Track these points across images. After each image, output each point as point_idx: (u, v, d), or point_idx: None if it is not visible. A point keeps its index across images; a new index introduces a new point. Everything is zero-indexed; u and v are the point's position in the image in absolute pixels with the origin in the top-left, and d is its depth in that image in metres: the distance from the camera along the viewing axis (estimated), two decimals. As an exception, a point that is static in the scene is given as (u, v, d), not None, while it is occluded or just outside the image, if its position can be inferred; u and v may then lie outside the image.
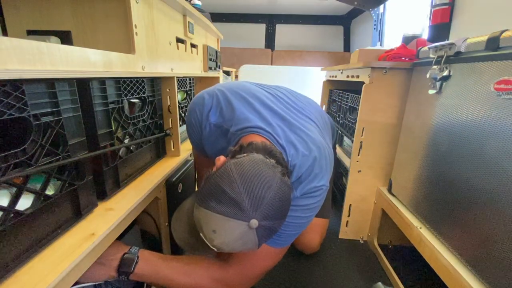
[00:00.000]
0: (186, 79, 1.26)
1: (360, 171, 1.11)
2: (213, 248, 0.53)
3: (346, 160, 1.29)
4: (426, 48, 0.86)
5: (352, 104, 1.26)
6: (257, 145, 0.61)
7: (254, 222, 0.49)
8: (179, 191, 0.95)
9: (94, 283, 0.62)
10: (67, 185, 0.55)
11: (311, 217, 0.71)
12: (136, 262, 0.65)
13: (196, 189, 1.18)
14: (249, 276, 0.70)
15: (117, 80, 0.69)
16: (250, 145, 0.61)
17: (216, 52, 1.58)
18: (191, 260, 0.70)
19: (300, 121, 0.75)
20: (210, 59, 1.44)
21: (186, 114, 0.81)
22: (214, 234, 0.51)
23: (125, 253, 0.66)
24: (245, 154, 0.57)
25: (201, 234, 0.53)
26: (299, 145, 0.68)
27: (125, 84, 0.73)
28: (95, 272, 0.61)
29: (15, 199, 0.44)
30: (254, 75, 2.56)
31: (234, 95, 0.75)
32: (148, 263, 0.66)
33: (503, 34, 0.58)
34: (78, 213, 0.59)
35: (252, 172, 0.52)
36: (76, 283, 0.52)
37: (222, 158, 0.58)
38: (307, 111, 0.80)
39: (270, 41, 3.18)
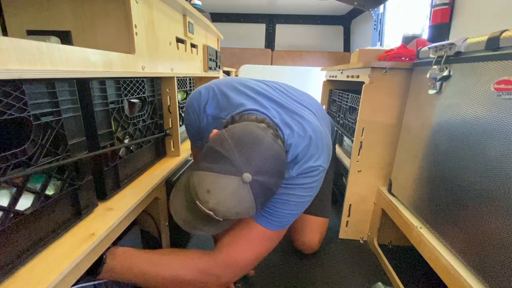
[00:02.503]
0: (186, 79, 1.26)
1: (360, 171, 1.11)
2: (209, 213, 0.51)
3: (346, 160, 1.29)
4: (426, 48, 0.86)
5: (352, 104, 1.26)
6: (249, 117, 0.63)
7: (247, 176, 0.50)
8: (179, 191, 0.95)
9: (94, 283, 0.62)
10: (67, 185, 0.55)
11: (308, 198, 0.71)
12: (104, 259, 0.60)
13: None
14: (240, 263, 0.66)
15: (117, 80, 0.69)
16: (242, 118, 0.64)
17: (216, 52, 1.58)
18: (171, 251, 0.67)
19: (297, 108, 0.76)
20: (210, 59, 1.44)
21: (184, 109, 0.82)
22: (208, 195, 0.50)
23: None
24: (237, 124, 0.59)
25: (197, 202, 0.52)
26: (294, 126, 0.69)
27: (125, 84, 0.73)
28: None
29: (15, 199, 0.44)
30: (254, 75, 2.56)
31: (230, 88, 0.76)
32: (117, 258, 0.61)
33: (503, 34, 0.58)
34: (78, 213, 0.59)
35: (243, 132, 0.54)
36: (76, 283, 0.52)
37: (215, 131, 0.60)
38: (306, 102, 0.81)
39: (270, 41, 3.18)
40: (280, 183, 0.56)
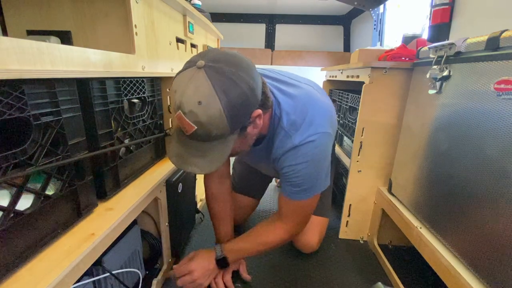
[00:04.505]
0: (186, 79, 1.26)
1: (360, 171, 1.11)
2: (179, 113, 0.55)
3: (346, 160, 1.29)
4: (426, 48, 0.86)
5: (352, 104, 1.26)
6: None
7: (200, 62, 0.53)
8: (179, 191, 0.95)
9: (93, 279, 0.62)
10: (67, 185, 0.55)
11: (320, 166, 0.76)
12: (226, 258, 0.85)
13: (196, 190, 1.19)
14: (300, 223, 0.86)
15: (117, 80, 0.69)
16: None
17: (216, 52, 1.57)
18: (259, 230, 0.86)
19: (295, 82, 0.80)
20: (210, 59, 1.44)
21: None
22: (176, 94, 0.55)
23: (216, 259, 0.85)
24: None
25: (175, 116, 0.57)
26: (293, 92, 0.75)
27: (125, 84, 0.73)
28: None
29: (15, 199, 0.44)
30: (254, 75, 2.54)
31: None
32: (235, 253, 0.86)
33: (503, 34, 0.58)
34: (78, 213, 0.59)
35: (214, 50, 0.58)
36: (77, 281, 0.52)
37: None
38: (305, 80, 0.85)
39: (270, 41, 3.18)
40: (243, 78, 0.55)
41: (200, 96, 0.53)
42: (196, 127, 0.55)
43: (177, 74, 0.58)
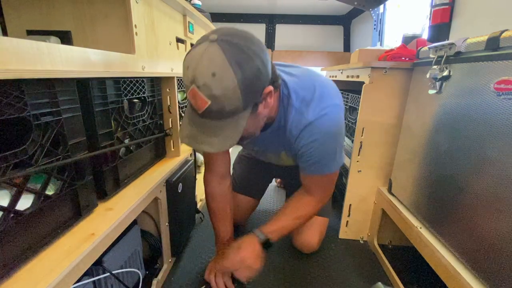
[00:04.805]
0: (186, 79, 1.26)
1: (360, 171, 1.11)
2: (192, 87, 0.54)
3: (346, 160, 1.29)
4: (426, 48, 0.86)
5: (352, 104, 1.26)
6: None
7: (213, 36, 0.53)
8: (179, 191, 0.95)
9: (93, 280, 0.62)
10: (67, 185, 0.55)
11: (337, 139, 0.77)
12: (269, 239, 0.86)
13: (196, 190, 1.19)
14: (328, 193, 0.91)
15: (117, 80, 0.69)
16: None
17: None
18: (292, 207, 0.90)
19: (290, 64, 0.82)
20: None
21: None
22: (188, 70, 0.54)
23: (261, 243, 0.85)
24: None
25: (185, 95, 0.59)
26: (294, 72, 0.76)
27: (125, 84, 0.73)
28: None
29: (15, 199, 0.44)
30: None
31: None
32: (276, 233, 0.87)
33: (503, 34, 0.58)
34: (78, 213, 0.59)
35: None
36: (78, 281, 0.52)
37: None
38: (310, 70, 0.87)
39: (270, 41, 3.18)
40: (256, 52, 0.56)
41: (214, 67, 0.52)
42: (209, 102, 0.54)
43: (188, 52, 0.57)
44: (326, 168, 0.81)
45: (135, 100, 0.83)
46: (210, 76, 0.52)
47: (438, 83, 0.78)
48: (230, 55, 0.52)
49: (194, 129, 0.61)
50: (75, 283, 0.48)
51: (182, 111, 1.17)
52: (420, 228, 0.83)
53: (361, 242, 1.21)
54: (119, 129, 0.73)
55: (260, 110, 0.63)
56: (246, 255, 0.82)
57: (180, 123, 1.11)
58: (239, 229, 1.19)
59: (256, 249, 0.84)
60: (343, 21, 3.02)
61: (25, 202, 0.47)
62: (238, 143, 0.70)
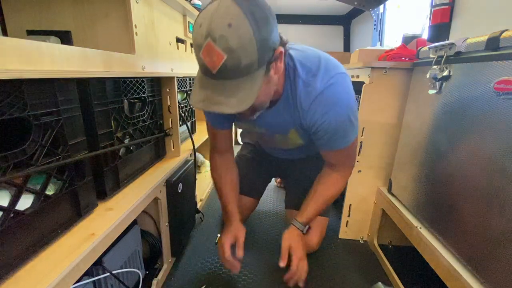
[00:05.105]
0: (186, 79, 1.26)
1: (360, 171, 1.11)
2: (208, 42, 0.52)
3: (346, 160, 1.29)
4: (426, 48, 0.86)
5: (352, 104, 1.26)
6: None
7: None
8: (179, 191, 0.95)
9: (93, 280, 0.62)
10: (67, 185, 0.55)
11: (349, 107, 0.76)
12: (308, 225, 0.92)
13: (196, 190, 1.19)
14: (352, 165, 0.93)
15: (117, 80, 0.69)
16: None
17: (216, 52, 1.57)
18: (321, 189, 0.91)
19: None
20: (210, 59, 1.44)
21: None
22: (201, 28, 0.53)
23: (301, 232, 0.90)
24: None
25: (199, 50, 0.55)
26: (297, 47, 0.76)
27: (125, 84, 0.73)
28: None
29: (15, 199, 0.44)
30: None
31: None
32: (311, 218, 0.92)
33: (503, 34, 0.58)
34: (78, 213, 0.59)
35: None
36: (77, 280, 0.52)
37: None
38: None
39: None
40: (267, 6, 0.56)
41: (230, 18, 0.52)
42: (225, 56, 0.53)
43: (200, 12, 0.56)
44: (345, 140, 0.80)
45: (135, 100, 0.83)
46: (226, 27, 0.51)
47: (438, 83, 0.78)
48: (244, 6, 0.52)
49: (209, 92, 0.58)
50: (75, 283, 0.48)
51: (182, 111, 1.17)
52: (420, 228, 0.83)
53: (361, 242, 1.21)
54: (119, 129, 0.73)
55: (272, 74, 0.63)
56: (303, 254, 0.86)
57: (181, 122, 1.11)
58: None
59: (304, 243, 0.90)
60: (343, 21, 3.02)
61: (25, 202, 0.47)
62: (249, 119, 0.71)
